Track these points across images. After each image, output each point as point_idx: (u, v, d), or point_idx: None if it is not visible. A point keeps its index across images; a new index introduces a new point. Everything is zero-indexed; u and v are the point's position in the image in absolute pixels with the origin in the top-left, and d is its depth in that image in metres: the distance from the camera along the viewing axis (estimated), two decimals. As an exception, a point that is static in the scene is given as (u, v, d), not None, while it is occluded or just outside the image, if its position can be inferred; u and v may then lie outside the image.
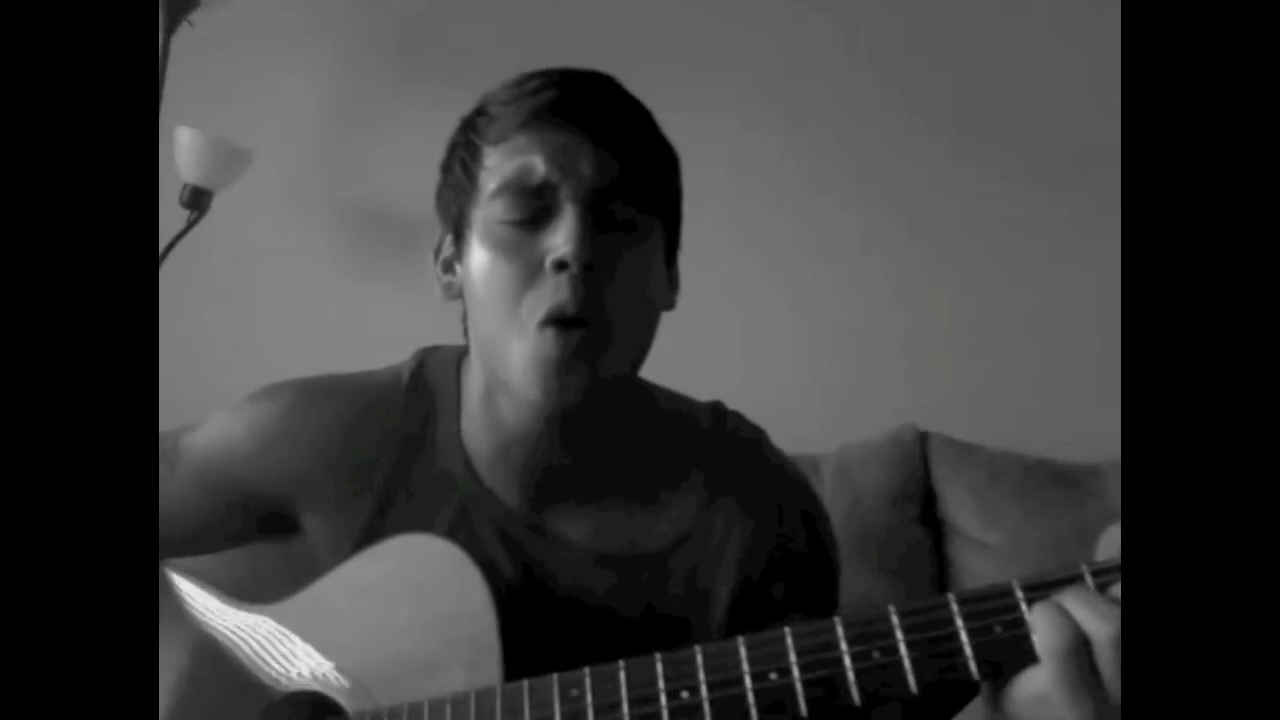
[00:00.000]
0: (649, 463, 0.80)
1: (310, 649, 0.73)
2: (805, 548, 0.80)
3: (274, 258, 1.83)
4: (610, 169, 0.71)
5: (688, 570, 0.77)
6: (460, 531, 0.76)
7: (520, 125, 0.72)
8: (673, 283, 0.81)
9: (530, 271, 0.70)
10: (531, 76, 0.75)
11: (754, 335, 1.76)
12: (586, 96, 0.74)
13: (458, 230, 0.76)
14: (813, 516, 0.82)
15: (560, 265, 0.68)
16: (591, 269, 0.69)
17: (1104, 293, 1.68)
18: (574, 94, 0.73)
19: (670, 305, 0.80)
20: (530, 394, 0.70)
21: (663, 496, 0.79)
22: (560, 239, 0.69)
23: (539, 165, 0.71)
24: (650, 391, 0.83)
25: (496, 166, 0.72)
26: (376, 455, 0.79)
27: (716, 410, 0.84)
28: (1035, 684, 0.53)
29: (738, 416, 0.85)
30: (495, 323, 0.71)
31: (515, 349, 0.70)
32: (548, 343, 0.69)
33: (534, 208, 0.71)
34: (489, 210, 0.72)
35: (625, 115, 0.75)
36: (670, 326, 0.79)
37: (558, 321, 0.68)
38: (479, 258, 0.73)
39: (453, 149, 0.78)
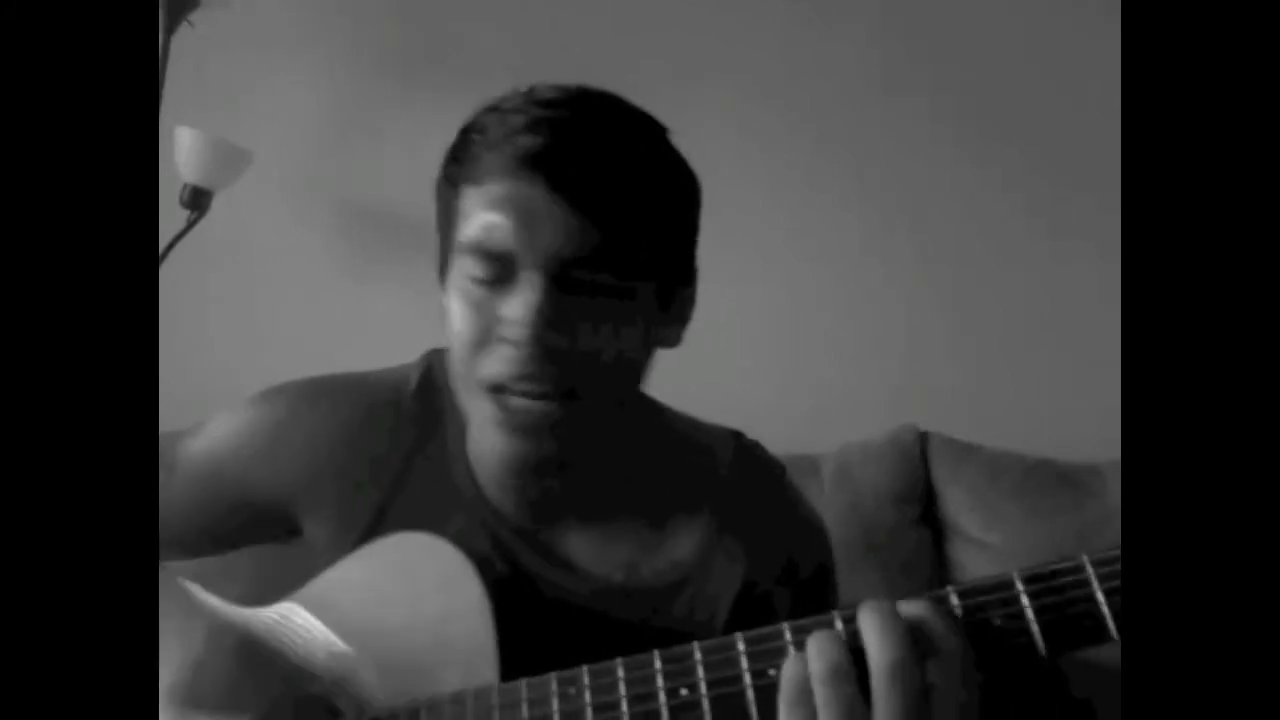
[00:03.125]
0: (658, 492, 0.79)
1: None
2: (812, 598, 0.78)
3: (274, 258, 1.83)
4: (589, 238, 0.65)
5: (688, 608, 0.76)
6: (461, 540, 0.75)
7: (498, 172, 0.66)
8: (678, 319, 0.76)
9: (486, 332, 0.67)
10: (529, 104, 0.68)
11: (754, 335, 1.77)
12: (581, 144, 0.66)
13: (444, 258, 0.73)
14: (826, 570, 0.81)
15: (507, 339, 0.66)
16: (546, 343, 0.65)
17: (1104, 293, 1.69)
18: (566, 142, 0.66)
19: (673, 342, 0.76)
20: (491, 448, 0.71)
21: (670, 526, 0.78)
22: (515, 310, 0.65)
23: (503, 231, 0.66)
24: (664, 416, 0.82)
25: (468, 214, 0.68)
26: (381, 458, 0.78)
27: (738, 441, 0.83)
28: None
29: (757, 449, 0.83)
30: (458, 372, 0.70)
31: (473, 405, 0.70)
32: (494, 407, 0.68)
33: (497, 269, 0.67)
34: (460, 260, 0.69)
35: (624, 167, 0.68)
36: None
37: (501, 390, 0.67)
38: (450, 302, 0.70)
39: (440, 172, 0.73)
